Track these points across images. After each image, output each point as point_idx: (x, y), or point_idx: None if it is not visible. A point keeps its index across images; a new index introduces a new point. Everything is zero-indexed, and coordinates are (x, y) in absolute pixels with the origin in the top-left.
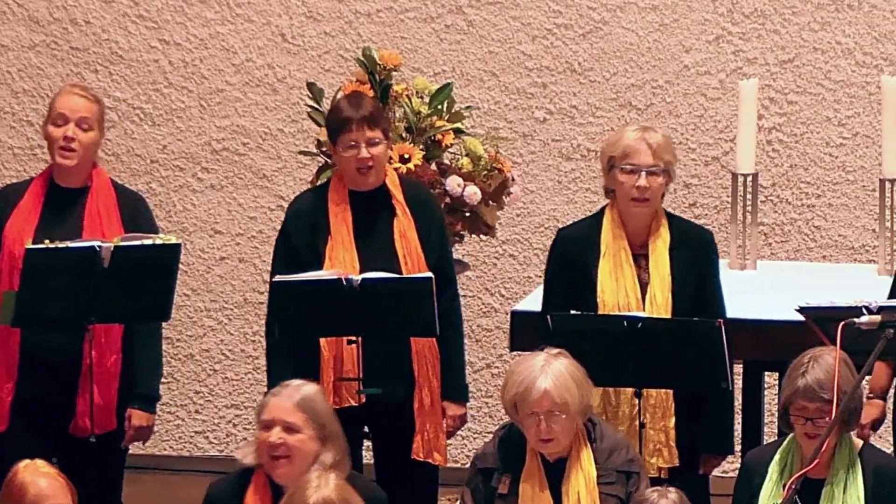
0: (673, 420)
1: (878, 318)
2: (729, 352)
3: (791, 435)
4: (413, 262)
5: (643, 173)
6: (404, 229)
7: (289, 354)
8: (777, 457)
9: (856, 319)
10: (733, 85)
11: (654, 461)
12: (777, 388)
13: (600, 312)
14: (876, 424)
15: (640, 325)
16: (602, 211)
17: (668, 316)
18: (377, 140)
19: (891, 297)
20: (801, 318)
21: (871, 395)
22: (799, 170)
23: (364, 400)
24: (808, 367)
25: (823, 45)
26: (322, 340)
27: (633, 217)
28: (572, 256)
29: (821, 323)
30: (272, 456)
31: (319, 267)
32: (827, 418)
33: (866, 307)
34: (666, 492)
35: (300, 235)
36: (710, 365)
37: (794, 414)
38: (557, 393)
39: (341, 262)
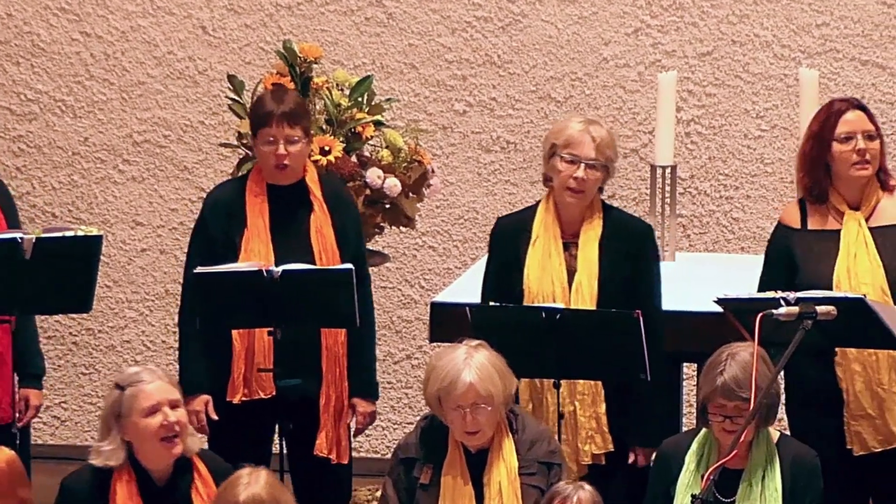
0: (604, 406)
1: (795, 309)
2: (660, 344)
3: None
4: (328, 258)
5: (583, 165)
6: (321, 225)
7: (203, 347)
8: (694, 447)
9: (774, 311)
10: (652, 77)
11: (587, 448)
12: (696, 379)
13: (526, 300)
14: None
15: (559, 316)
16: (540, 201)
17: (594, 306)
18: (296, 138)
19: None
20: (719, 309)
21: None
22: (717, 162)
23: (275, 393)
24: (725, 364)
25: (742, 38)
26: (234, 333)
27: (568, 207)
28: (506, 243)
29: (739, 314)
30: (166, 437)
31: (235, 257)
32: (745, 415)
33: (784, 299)
34: (580, 486)
35: (217, 225)
36: (628, 356)
37: (712, 412)
38: (482, 385)
39: (256, 255)
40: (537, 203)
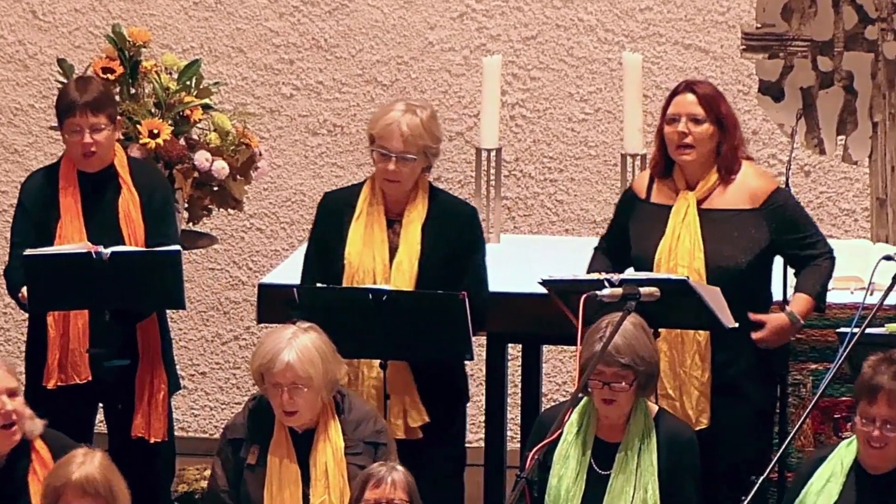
0: (413, 378)
1: (619, 290)
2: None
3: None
4: (136, 241)
5: (393, 158)
6: (129, 208)
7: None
8: (574, 416)
9: (598, 292)
10: (477, 61)
11: (399, 423)
12: (520, 360)
13: (346, 274)
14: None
15: (385, 297)
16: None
17: (412, 285)
18: (101, 126)
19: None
20: (543, 290)
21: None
22: (542, 145)
23: (91, 377)
24: (605, 331)
25: (566, 22)
26: (49, 318)
27: (389, 191)
28: (330, 216)
29: (563, 296)
30: (3, 426)
31: (50, 244)
32: (623, 383)
33: (608, 280)
34: (392, 467)
35: (34, 211)
36: (453, 337)
37: (591, 378)
38: (300, 366)
39: (70, 240)
40: (366, 180)
